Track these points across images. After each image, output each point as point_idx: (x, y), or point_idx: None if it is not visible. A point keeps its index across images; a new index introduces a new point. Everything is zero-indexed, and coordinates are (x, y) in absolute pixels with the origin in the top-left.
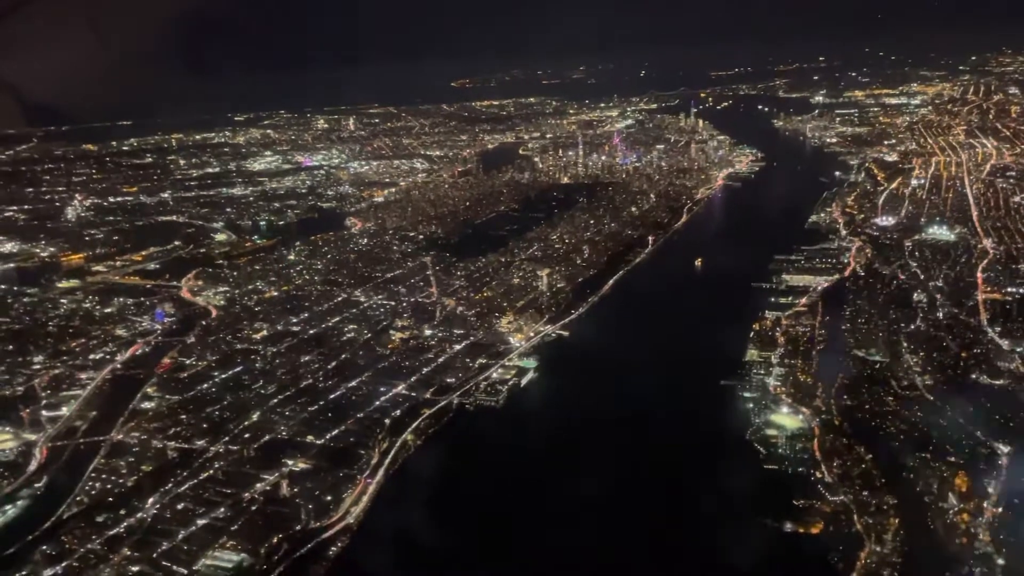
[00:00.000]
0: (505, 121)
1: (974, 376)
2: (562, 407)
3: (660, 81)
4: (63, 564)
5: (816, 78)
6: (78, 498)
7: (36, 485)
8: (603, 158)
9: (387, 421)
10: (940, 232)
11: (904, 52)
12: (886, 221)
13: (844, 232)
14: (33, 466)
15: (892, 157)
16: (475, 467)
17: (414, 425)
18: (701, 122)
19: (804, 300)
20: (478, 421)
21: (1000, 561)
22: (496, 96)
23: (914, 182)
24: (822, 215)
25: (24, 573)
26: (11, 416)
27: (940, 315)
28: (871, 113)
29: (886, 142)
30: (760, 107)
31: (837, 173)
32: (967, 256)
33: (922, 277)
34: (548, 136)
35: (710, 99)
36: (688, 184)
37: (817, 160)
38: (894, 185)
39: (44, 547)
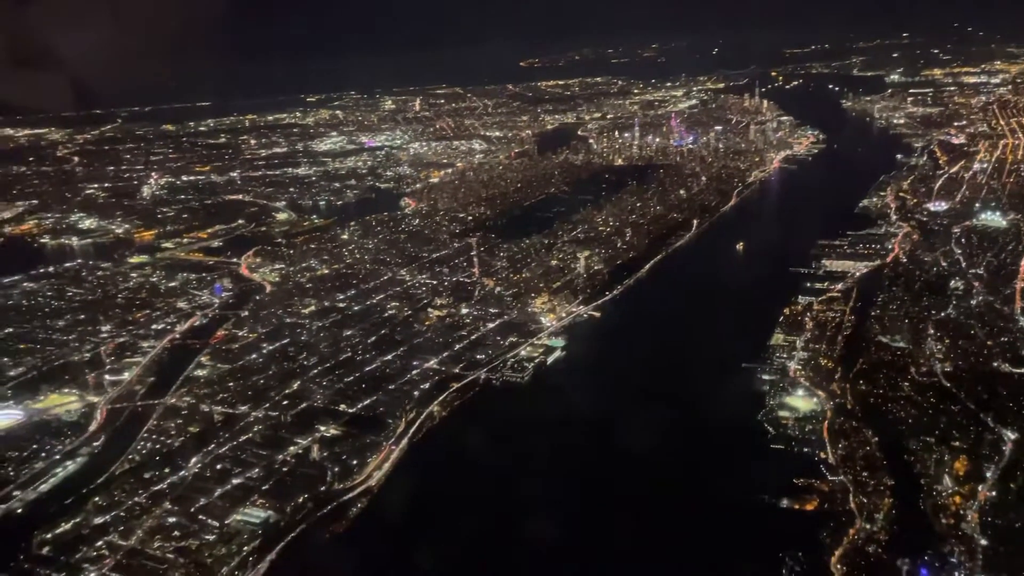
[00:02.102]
0: (568, 101)
1: (995, 364)
2: (583, 385)
3: (732, 59)
4: (111, 514)
5: (895, 55)
6: (130, 456)
7: (95, 443)
8: (657, 140)
9: (416, 393)
10: (992, 219)
11: (995, 28)
12: (939, 206)
13: (894, 217)
14: (93, 426)
15: (959, 139)
16: (495, 438)
17: (441, 398)
18: (766, 102)
19: (839, 286)
20: (503, 396)
21: (983, 542)
22: (563, 76)
23: (976, 166)
24: (874, 199)
25: (77, 520)
26: (78, 380)
27: (973, 303)
28: (946, 93)
29: (956, 123)
30: (831, 86)
31: (899, 156)
32: (1015, 243)
33: (963, 264)
34: (609, 117)
35: (780, 78)
36: (742, 166)
37: (880, 142)
38: (955, 169)
39: (96, 498)
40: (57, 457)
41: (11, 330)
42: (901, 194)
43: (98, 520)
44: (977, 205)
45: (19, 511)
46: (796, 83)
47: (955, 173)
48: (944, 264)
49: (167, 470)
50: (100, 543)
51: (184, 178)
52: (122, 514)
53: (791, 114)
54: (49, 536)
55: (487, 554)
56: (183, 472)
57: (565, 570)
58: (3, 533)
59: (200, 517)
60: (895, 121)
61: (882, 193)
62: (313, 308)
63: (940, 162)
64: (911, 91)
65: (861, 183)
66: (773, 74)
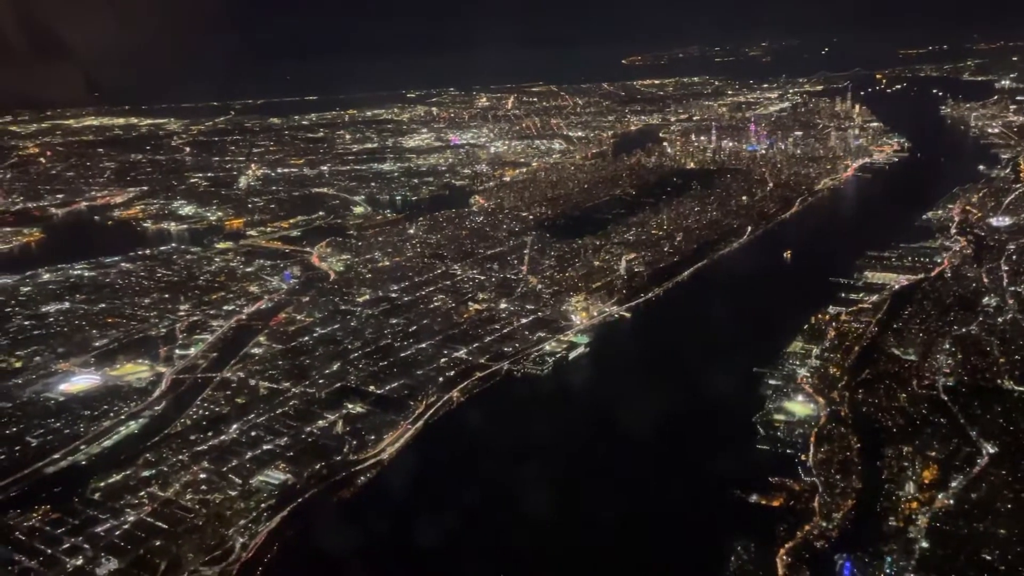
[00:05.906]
0: (658, 102)
1: (1000, 381)
2: (598, 380)
3: (840, 60)
4: (156, 468)
5: (1015, 59)
6: (183, 420)
7: (156, 408)
8: (731, 144)
9: (441, 379)
10: None
11: None
12: (1001, 221)
13: (953, 231)
14: (157, 393)
15: None
16: (505, 423)
17: (463, 385)
18: (857, 107)
19: (874, 298)
20: (521, 386)
21: (924, 544)
22: (662, 75)
23: None
24: (939, 212)
25: (128, 472)
26: (152, 352)
27: (1000, 320)
28: None
29: None
30: (935, 91)
31: (981, 167)
32: None
33: (1005, 282)
34: (695, 118)
35: (884, 81)
36: (812, 174)
37: (967, 152)
38: None
39: (147, 455)
40: (122, 418)
41: (103, 305)
42: (968, 207)
43: (145, 473)
44: None
45: (83, 462)
46: (899, 87)
47: None
48: (986, 280)
49: (210, 434)
50: (142, 493)
51: (279, 170)
52: (165, 469)
53: (883, 120)
54: (102, 484)
55: (475, 525)
56: (223, 436)
57: (533, 546)
58: (66, 479)
59: (230, 476)
60: (989, 130)
61: (950, 205)
62: (367, 297)
63: (1021, 175)
64: (1018, 98)
65: (933, 194)
66: (877, 77)
